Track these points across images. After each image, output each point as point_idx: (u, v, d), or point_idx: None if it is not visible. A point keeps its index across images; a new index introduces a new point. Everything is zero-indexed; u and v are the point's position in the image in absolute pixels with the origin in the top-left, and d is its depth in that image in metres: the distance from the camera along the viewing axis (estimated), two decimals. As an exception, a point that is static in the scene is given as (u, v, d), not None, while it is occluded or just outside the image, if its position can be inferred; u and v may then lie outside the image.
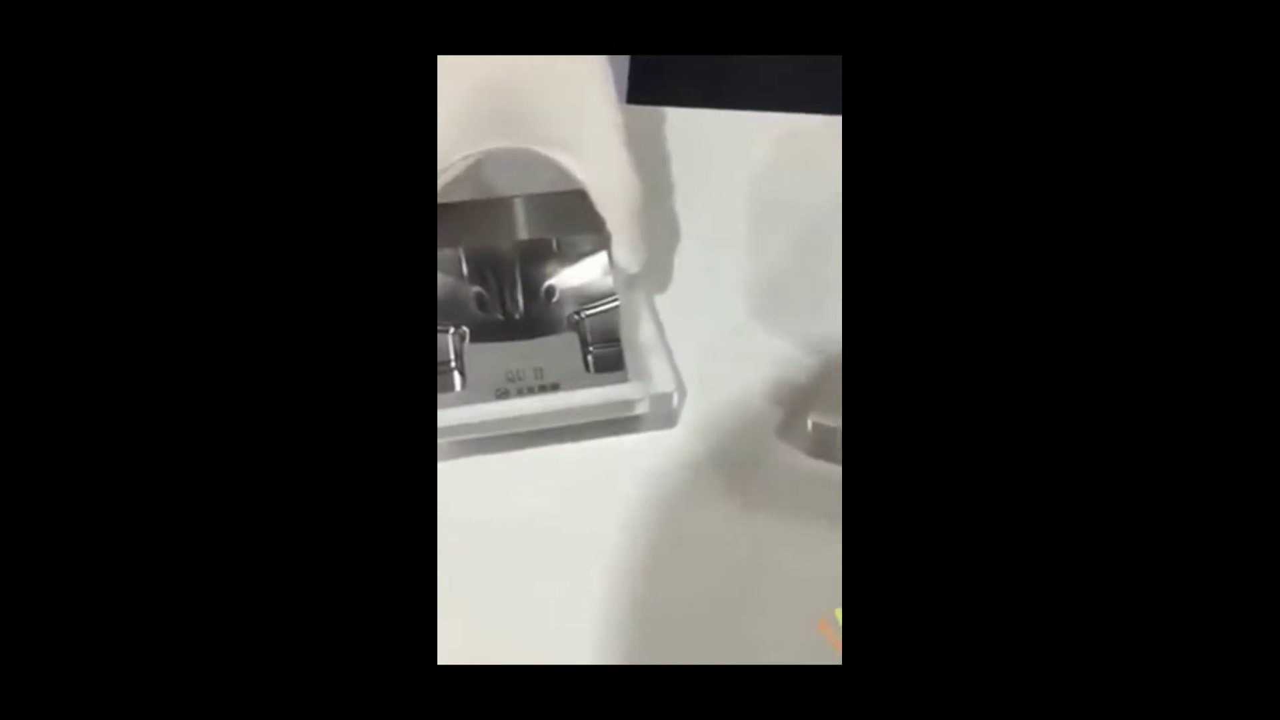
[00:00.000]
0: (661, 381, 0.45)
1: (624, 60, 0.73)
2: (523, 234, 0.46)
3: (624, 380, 0.44)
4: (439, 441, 0.43)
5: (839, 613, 0.38)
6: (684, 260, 0.54)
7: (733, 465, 0.44)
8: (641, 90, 0.73)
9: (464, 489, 0.43)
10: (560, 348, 0.45)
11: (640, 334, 0.47)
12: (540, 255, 0.46)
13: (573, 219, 0.46)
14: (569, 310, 0.46)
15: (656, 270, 0.52)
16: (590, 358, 0.45)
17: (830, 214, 0.55)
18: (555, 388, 0.44)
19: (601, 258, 0.46)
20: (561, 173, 0.45)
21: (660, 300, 0.51)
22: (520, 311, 0.46)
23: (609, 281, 0.46)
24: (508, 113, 0.43)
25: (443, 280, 0.44)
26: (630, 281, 0.48)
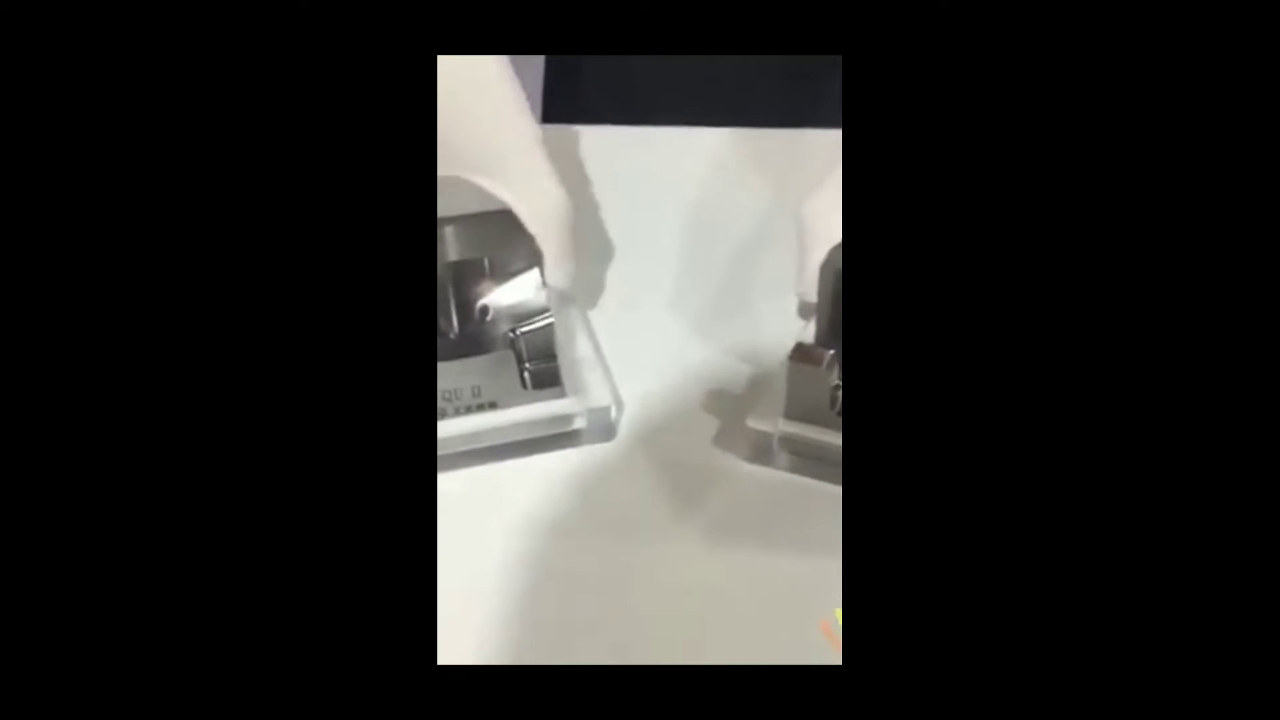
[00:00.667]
0: (598, 395, 0.45)
1: (538, 80, 0.74)
2: (453, 256, 0.46)
3: (561, 395, 0.45)
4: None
5: (839, 613, 0.38)
6: (616, 275, 0.54)
7: (673, 475, 0.45)
8: (556, 109, 0.73)
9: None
10: (496, 366, 0.45)
11: (576, 349, 0.47)
12: (473, 275, 0.46)
13: (503, 238, 0.46)
14: (504, 328, 0.46)
15: (590, 286, 0.53)
16: (527, 375, 0.45)
17: (756, 224, 0.56)
18: (493, 405, 0.44)
19: (534, 275, 0.46)
20: (487, 196, 0.45)
21: (595, 315, 0.51)
22: (455, 331, 0.46)
23: (542, 298, 0.46)
24: None
25: None
26: (564, 298, 0.48)
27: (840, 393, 0.43)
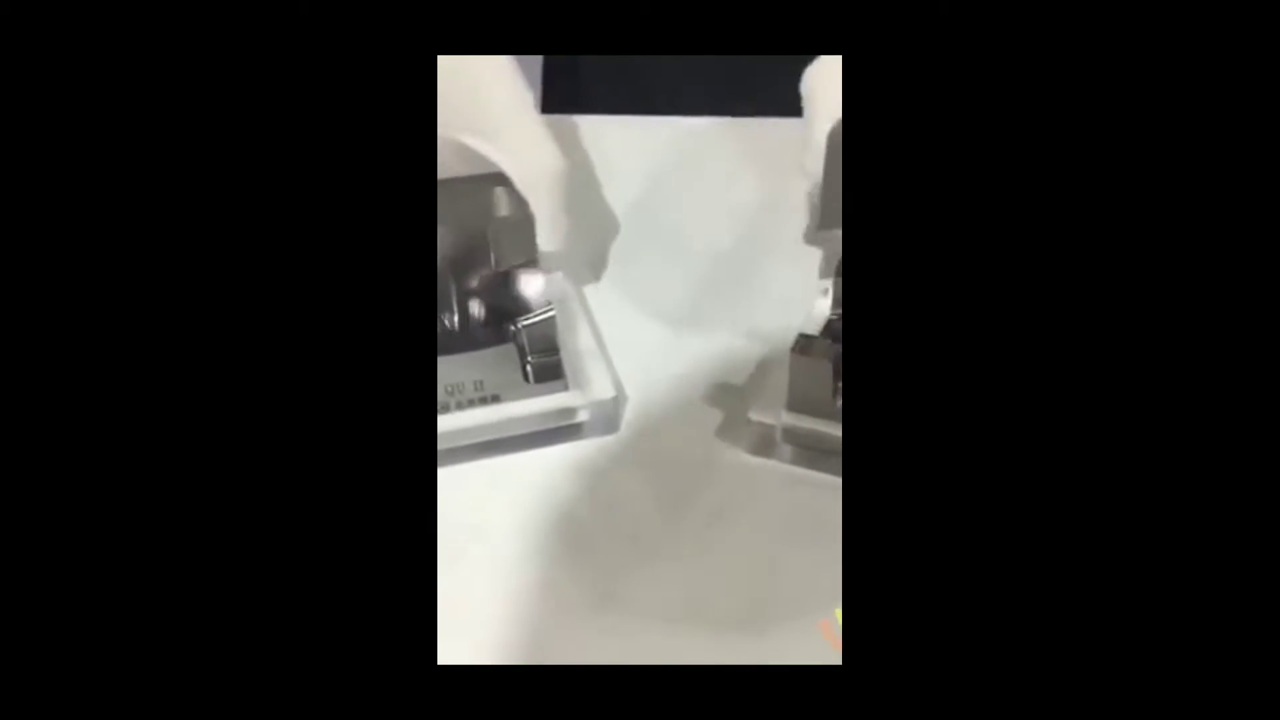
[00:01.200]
0: (601, 388, 0.45)
1: (536, 70, 0.73)
2: (443, 221, 0.45)
3: (564, 389, 0.45)
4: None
5: (839, 613, 0.38)
6: (618, 265, 0.54)
7: (677, 467, 0.45)
8: (555, 99, 0.73)
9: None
10: (499, 359, 0.45)
11: (579, 342, 0.47)
12: (474, 267, 0.46)
13: (494, 202, 0.46)
14: (506, 322, 0.46)
15: (593, 278, 0.53)
16: (529, 368, 0.45)
17: (758, 215, 0.56)
18: (496, 399, 0.44)
19: (535, 267, 0.46)
20: (478, 159, 0.45)
21: (597, 306, 0.51)
22: (456, 325, 0.45)
23: (544, 291, 0.46)
24: None
25: None
26: (566, 290, 0.49)
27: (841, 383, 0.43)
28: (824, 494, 0.43)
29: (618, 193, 0.58)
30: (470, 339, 0.45)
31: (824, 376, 0.43)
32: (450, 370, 0.44)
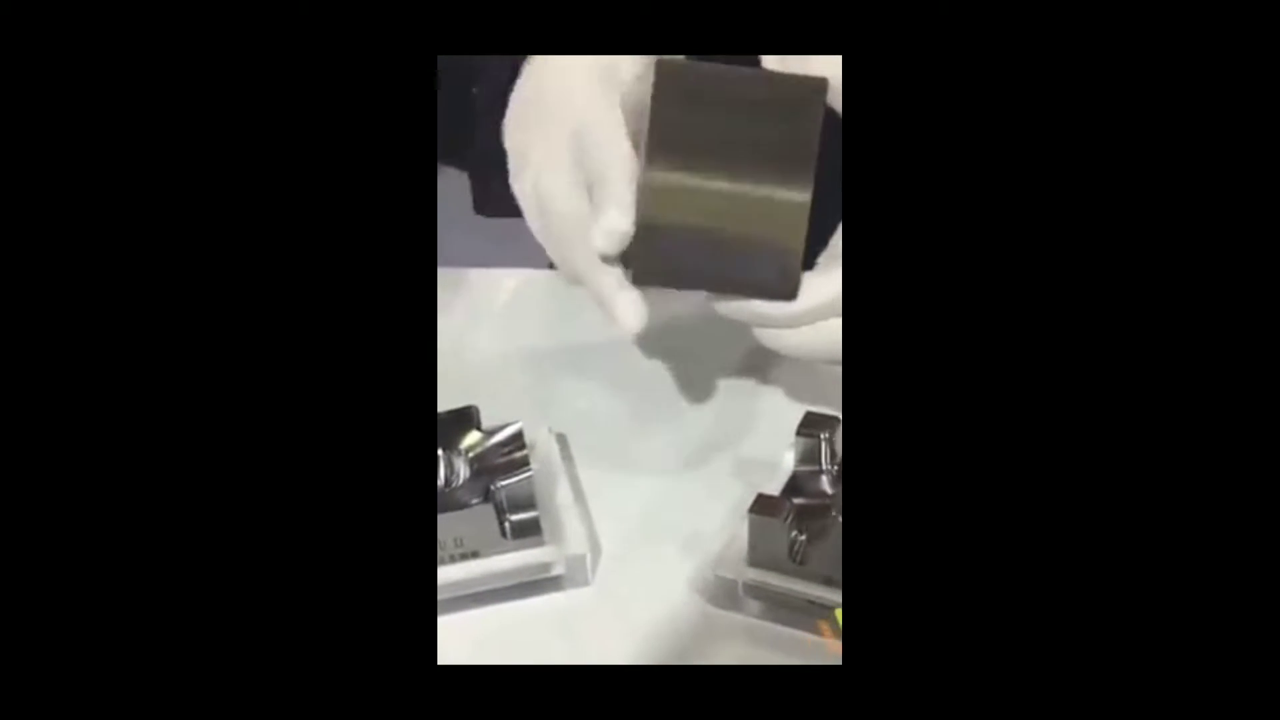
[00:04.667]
0: (575, 544, 0.48)
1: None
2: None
3: (540, 544, 0.48)
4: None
5: (839, 613, 0.38)
6: (602, 421, 0.58)
7: (644, 619, 0.47)
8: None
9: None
10: (477, 518, 0.48)
11: (558, 498, 0.51)
12: (458, 429, 0.50)
13: None
14: (486, 482, 0.49)
15: (575, 430, 0.56)
16: (507, 525, 0.48)
17: (732, 371, 0.60)
18: (475, 555, 0.47)
19: (516, 430, 0.50)
20: None
21: (582, 459, 0.55)
22: (440, 486, 0.49)
23: (524, 454, 0.49)
24: None
25: None
26: (549, 450, 0.52)
27: (802, 539, 0.45)
28: (783, 644, 0.45)
29: (603, 344, 0.62)
30: (451, 499, 0.49)
31: (780, 535, 0.45)
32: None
